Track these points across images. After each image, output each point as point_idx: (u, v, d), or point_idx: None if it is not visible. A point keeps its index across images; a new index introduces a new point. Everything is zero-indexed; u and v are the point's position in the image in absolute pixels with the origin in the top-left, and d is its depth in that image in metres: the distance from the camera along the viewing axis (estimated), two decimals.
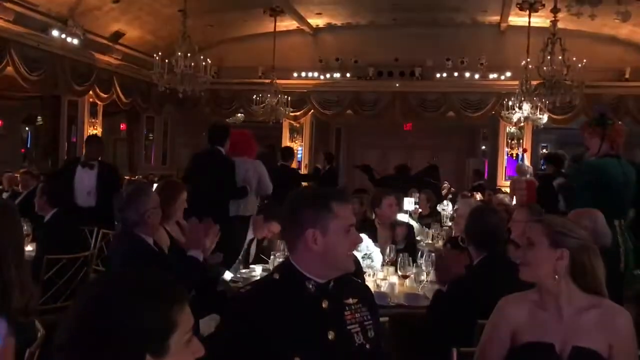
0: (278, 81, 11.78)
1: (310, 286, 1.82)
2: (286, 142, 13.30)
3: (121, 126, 14.75)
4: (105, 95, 11.66)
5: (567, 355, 1.94)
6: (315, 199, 1.86)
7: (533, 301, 2.03)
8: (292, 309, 1.77)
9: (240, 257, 4.24)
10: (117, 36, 11.43)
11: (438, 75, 12.52)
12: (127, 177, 10.61)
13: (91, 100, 11.67)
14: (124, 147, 14.42)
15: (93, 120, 11.93)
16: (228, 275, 3.94)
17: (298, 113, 13.15)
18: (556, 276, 1.97)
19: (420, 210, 7.56)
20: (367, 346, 1.83)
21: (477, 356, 2.10)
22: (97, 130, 12.03)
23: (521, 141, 12.80)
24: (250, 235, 4.31)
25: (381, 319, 2.73)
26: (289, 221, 1.88)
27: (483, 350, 2.08)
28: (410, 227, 4.93)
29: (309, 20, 12.61)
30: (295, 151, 13.30)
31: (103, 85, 11.49)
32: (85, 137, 11.70)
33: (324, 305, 1.81)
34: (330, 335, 1.78)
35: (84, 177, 6.49)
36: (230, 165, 5.84)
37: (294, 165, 10.46)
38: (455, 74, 12.43)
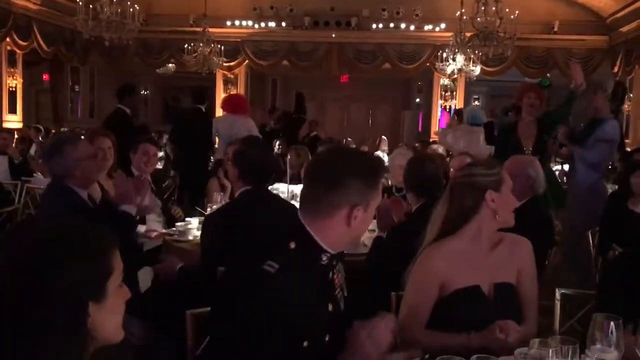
0: (210, 30, 11.35)
1: (325, 258, 1.64)
2: (220, 93, 12.98)
3: (44, 77, 13.97)
4: (24, 43, 10.92)
5: (492, 293, 2.03)
6: (369, 171, 1.63)
7: (455, 249, 2.07)
8: (309, 283, 1.59)
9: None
10: None
11: (374, 25, 12.43)
12: (52, 131, 10.10)
13: (9, 48, 10.92)
14: (47, 98, 13.69)
15: (12, 70, 11.21)
16: (142, 228, 3.85)
17: (232, 63, 12.80)
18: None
19: None
20: (342, 307, 1.72)
21: (405, 311, 2.11)
22: (17, 81, 11.33)
23: (454, 93, 13.02)
24: None
25: None
26: (328, 187, 1.60)
27: (412, 305, 2.09)
28: None
29: None
30: None
31: (21, 32, 10.74)
32: (4, 87, 11.04)
33: (330, 277, 1.66)
34: (330, 307, 1.65)
35: None
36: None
37: None
38: (391, 24, 12.37)
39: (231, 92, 12.98)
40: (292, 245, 1.60)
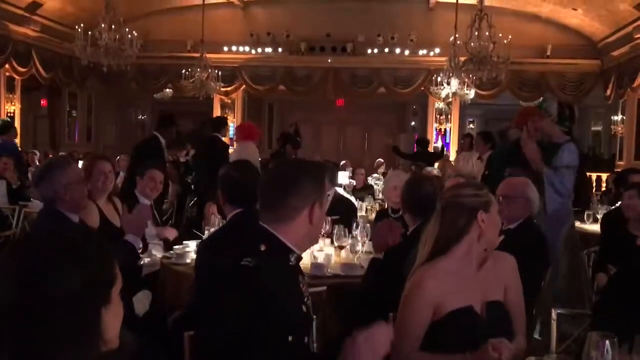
0: (208, 55, 11.47)
1: (293, 259, 1.77)
2: None
3: (42, 102, 14.04)
4: (23, 69, 11.03)
5: (484, 312, 2.05)
6: (316, 172, 1.81)
7: (446, 269, 2.08)
8: (283, 280, 1.71)
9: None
10: (34, 6, 10.78)
11: (369, 51, 12.59)
12: (50, 155, 10.13)
13: (8, 74, 11.01)
14: (45, 124, 13.75)
15: (10, 95, 11.29)
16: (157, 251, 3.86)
17: (229, 88, 12.92)
18: None
19: (354, 184, 7.70)
20: (312, 314, 1.85)
21: (398, 333, 2.10)
22: (16, 107, 11.39)
23: (449, 116, 13.13)
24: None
25: (319, 289, 2.75)
26: (287, 193, 1.75)
27: (406, 327, 2.07)
28: (351, 202, 5.13)
29: None
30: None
31: (20, 59, 10.85)
32: (3, 113, 11.10)
33: (299, 283, 1.79)
34: (304, 309, 1.76)
35: None
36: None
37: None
38: (386, 49, 12.53)
39: (228, 116, 13.09)
40: (263, 247, 1.73)
